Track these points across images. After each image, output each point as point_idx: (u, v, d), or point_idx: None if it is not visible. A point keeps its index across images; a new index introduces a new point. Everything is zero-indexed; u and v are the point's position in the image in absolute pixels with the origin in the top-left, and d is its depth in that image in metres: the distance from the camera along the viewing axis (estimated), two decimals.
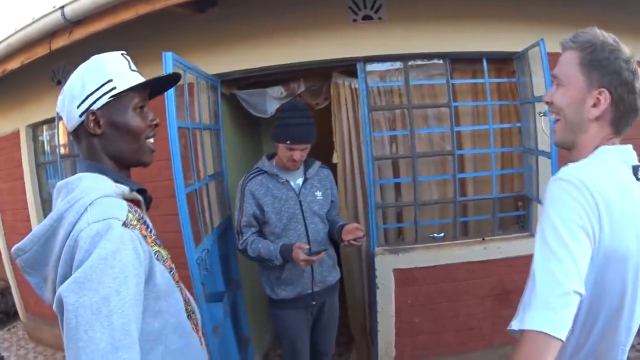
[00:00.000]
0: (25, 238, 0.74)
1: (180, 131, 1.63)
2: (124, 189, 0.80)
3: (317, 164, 1.83)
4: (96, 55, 0.84)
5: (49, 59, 2.47)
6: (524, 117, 2.35)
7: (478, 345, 2.41)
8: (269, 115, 2.33)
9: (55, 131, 2.97)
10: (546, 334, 0.63)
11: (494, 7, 2.24)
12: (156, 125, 0.88)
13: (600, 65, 0.76)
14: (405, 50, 2.22)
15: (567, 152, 0.87)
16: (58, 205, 0.74)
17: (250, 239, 1.71)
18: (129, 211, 0.75)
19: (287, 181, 1.73)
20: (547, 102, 0.85)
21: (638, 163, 0.80)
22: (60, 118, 2.72)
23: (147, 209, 0.90)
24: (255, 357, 2.46)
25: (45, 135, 3.16)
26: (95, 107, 0.80)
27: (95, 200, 0.72)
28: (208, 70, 2.17)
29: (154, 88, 0.91)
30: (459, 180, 2.29)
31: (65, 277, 0.68)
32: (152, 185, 2.44)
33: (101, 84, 0.80)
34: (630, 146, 0.81)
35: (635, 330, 0.80)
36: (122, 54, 0.86)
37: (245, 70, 2.25)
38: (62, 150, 2.89)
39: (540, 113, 2.09)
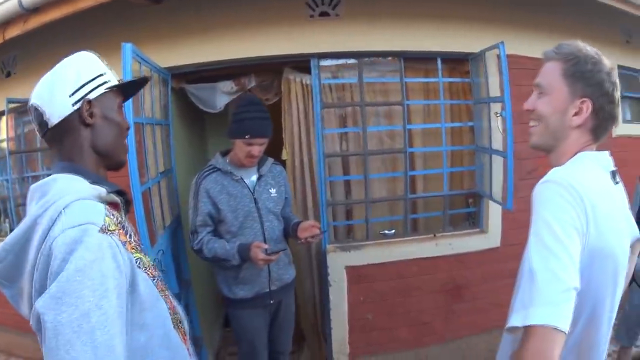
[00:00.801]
0: None
1: (135, 126, 1.58)
2: (101, 190, 0.75)
3: (270, 160, 1.80)
4: (81, 52, 0.83)
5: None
6: (477, 117, 2.38)
7: (431, 340, 2.45)
8: (218, 110, 2.29)
9: (4, 125, 2.84)
10: (553, 327, 0.65)
11: (450, 8, 2.26)
12: (128, 127, 0.89)
13: (583, 77, 0.81)
14: (360, 47, 2.21)
15: (529, 152, 0.90)
16: (31, 209, 0.70)
17: (206, 238, 1.66)
18: (106, 215, 0.71)
19: (242, 178, 1.69)
20: (527, 110, 0.88)
21: (614, 168, 0.85)
22: (11, 111, 2.64)
23: (127, 211, 0.86)
24: (208, 357, 2.43)
25: None
26: (91, 96, 0.79)
27: (70, 204, 0.67)
28: (160, 63, 2.11)
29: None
30: (409, 178, 2.30)
31: (41, 290, 0.63)
32: None
33: (97, 74, 0.80)
34: (607, 152, 0.85)
35: (613, 319, 0.85)
36: (94, 54, 0.87)
37: (198, 64, 2.19)
38: (11, 146, 2.76)
39: (497, 113, 2.12)
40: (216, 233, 1.72)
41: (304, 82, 2.22)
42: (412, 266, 2.33)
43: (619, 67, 2.97)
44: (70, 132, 0.78)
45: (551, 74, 0.84)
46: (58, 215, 0.66)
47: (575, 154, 0.83)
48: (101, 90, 0.80)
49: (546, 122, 0.85)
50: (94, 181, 0.77)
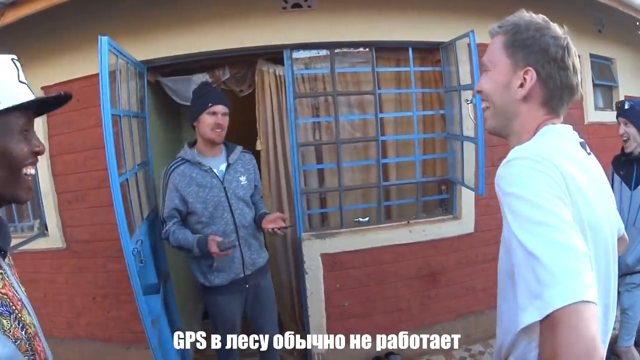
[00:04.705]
0: None
1: (112, 119, 1.61)
2: None
3: (239, 148, 1.84)
4: None
5: None
6: (448, 104, 2.43)
7: (408, 325, 2.48)
8: None
9: None
10: (581, 301, 0.52)
11: None
12: (39, 152, 0.71)
13: (524, 45, 0.74)
14: (332, 38, 2.25)
15: (500, 140, 0.84)
16: None
17: (172, 228, 1.72)
18: None
19: (211, 168, 1.73)
20: (478, 92, 0.84)
21: (582, 140, 0.78)
22: None
23: (3, 258, 0.73)
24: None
25: None
26: None
27: None
28: (136, 56, 2.13)
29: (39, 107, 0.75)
30: (382, 166, 2.34)
31: None
32: (79, 176, 2.40)
33: None
34: (570, 126, 0.78)
35: (615, 306, 0.77)
36: (13, 60, 0.70)
37: (173, 57, 2.22)
38: None
39: (467, 100, 2.16)
40: (187, 224, 1.77)
41: (277, 73, 2.26)
42: (386, 253, 2.37)
43: (591, 55, 3.02)
44: None
45: (493, 49, 0.79)
46: None
47: (536, 131, 0.76)
48: None
49: (492, 100, 0.79)
50: None
